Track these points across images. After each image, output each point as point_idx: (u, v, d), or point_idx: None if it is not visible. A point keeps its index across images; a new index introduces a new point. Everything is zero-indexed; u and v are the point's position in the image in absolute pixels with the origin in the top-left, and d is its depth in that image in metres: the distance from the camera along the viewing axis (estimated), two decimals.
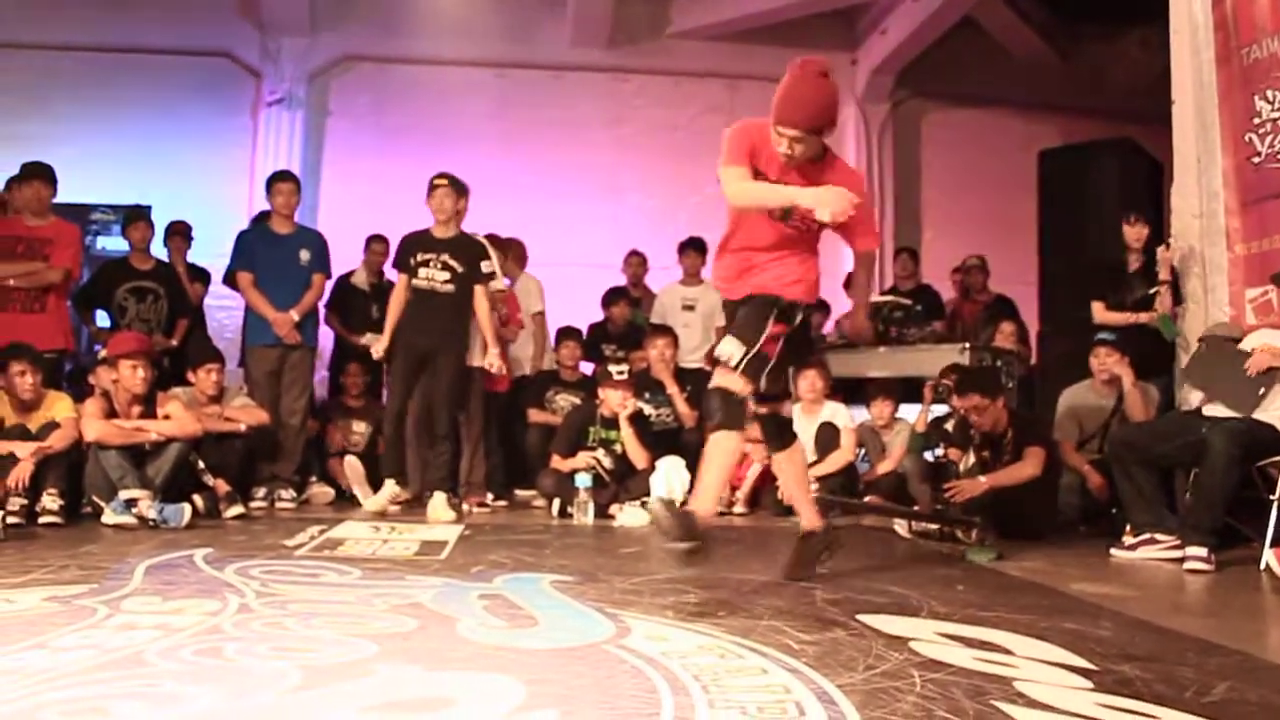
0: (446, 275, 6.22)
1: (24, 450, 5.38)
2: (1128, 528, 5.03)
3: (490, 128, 9.96)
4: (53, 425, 5.59)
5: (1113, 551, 4.98)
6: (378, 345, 6.26)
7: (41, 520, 5.21)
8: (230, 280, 6.91)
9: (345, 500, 6.76)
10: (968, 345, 7.11)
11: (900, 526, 5.70)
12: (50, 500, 5.27)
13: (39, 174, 6.50)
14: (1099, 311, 6.36)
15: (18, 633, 2.75)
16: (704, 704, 2.29)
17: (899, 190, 10.74)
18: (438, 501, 6.01)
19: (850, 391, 7.21)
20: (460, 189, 6.32)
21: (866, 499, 6.33)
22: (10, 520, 4.95)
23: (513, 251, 7.54)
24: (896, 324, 7.58)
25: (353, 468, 6.78)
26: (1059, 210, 8.13)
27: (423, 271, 6.23)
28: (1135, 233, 6.35)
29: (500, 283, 6.72)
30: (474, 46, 10.06)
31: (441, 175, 6.29)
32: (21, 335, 5.95)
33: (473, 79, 10.18)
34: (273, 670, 2.44)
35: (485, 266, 6.30)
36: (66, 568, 3.90)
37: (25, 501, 5.24)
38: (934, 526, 5.47)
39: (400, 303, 6.27)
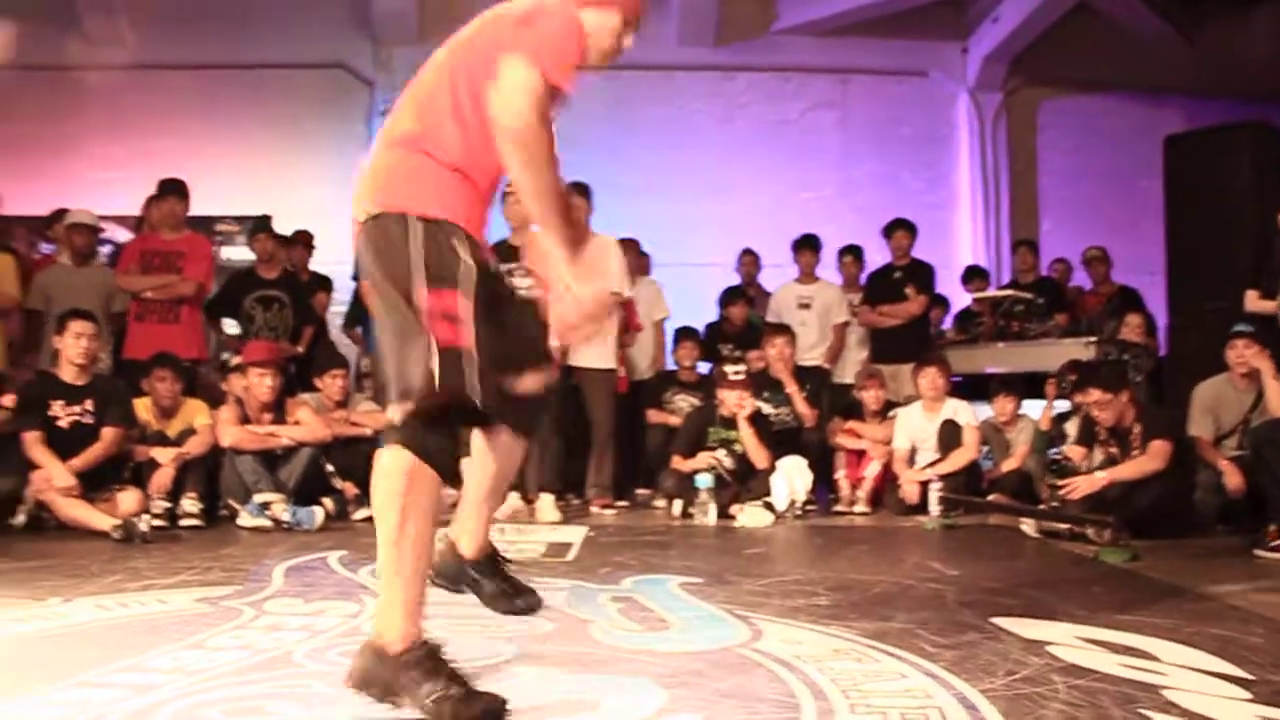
0: (530, 281, 6.24)
1: (165, 456, 5.61)
2: (1271, 528, 4.82)
3: (599, 130, 9.98)
4: (190, 432, 5.81)
5: (1256, 552, 4.78)
6: None
7: (182, 523, 5.46)
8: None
9: None
10: (1094, 339, 6.91)
11: (1028, 526, 5.57)
12: (190, 504, 5.51)
13: (173, 191, 6.77)
14: (1252, 300, 6.11)
15: (175, 632, 2.87)
16: (845, 709, 2.27)
17: (1014, 181, 10.47)
18: (545, 502, 6.08)
19: (973, 388, 7.07)
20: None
21: (990, 498, 6.20)
22: (155, 523, 5.17)
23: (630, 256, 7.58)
24: (1018, 318, 7.41)
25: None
26: (1188, 198, 7.84)
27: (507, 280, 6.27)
28: None
29: (622, 287, 6.75)
30: None
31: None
32: (158, 345, 6.22)
33: (580, 81, 10.22)
34: None
35: None
36: (210, 569, 4.04)
37: (168, 505, 5.48)
38: (1063, 526, 5.33)
39: None
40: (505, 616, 2.73)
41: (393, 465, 2.22)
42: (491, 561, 2.67)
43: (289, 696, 2.29)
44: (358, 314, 7.80)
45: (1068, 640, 2.92)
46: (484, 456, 2.57)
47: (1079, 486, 5.28)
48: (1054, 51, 9.98)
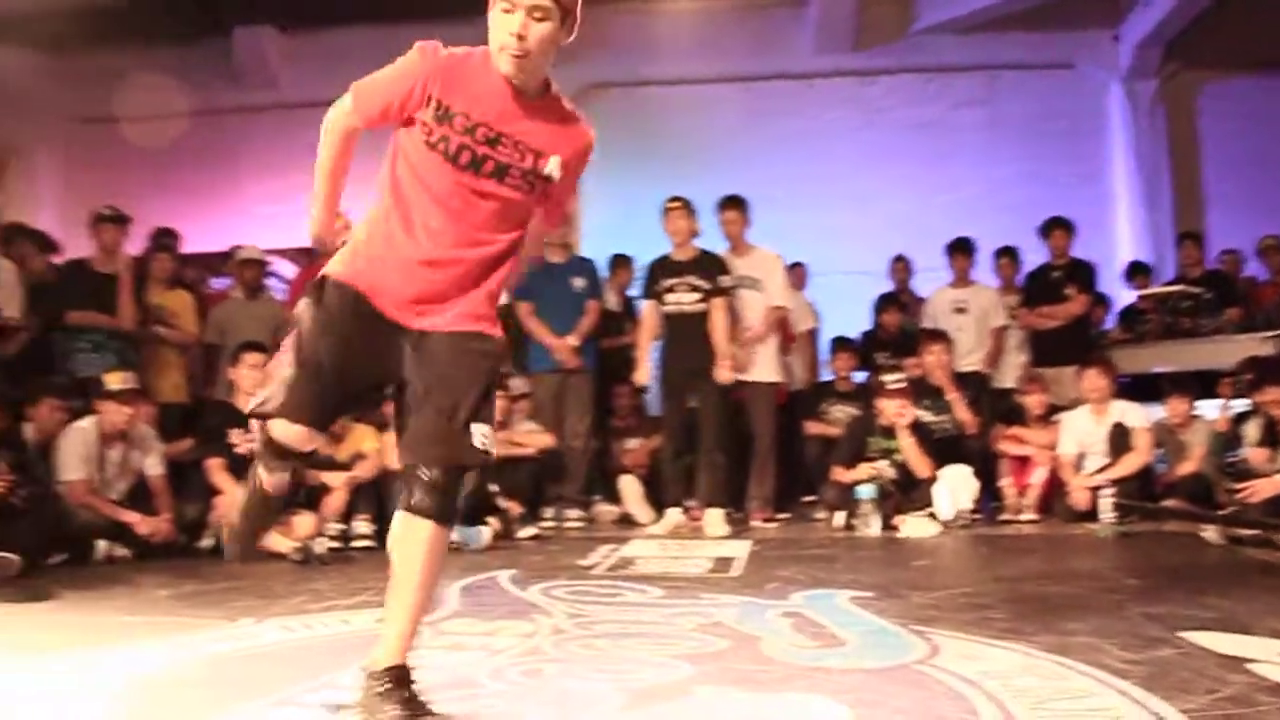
0: (695, 296, 6.29)
1: (336, 480, 5.80)
2: None
3: (739, 142, 9.99)
4: (359, 456, 6.00)
5: None
6: (639, 374, 6.44)
7: (355, 544, 5.63)
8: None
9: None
10: (1274, 333, 6.57)
11: (1209, 532, 5.33)
12: (363, 525, 5.69)
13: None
14: None
15: (358, 654, 2.94)
16: None
17: (1175, 171, 10.04)
18: (713, 517, 6.07)
19: (1140, 389, 6.81)
20: (695, 209, 6.40)
21: (1166, 503, 5.96)
22: (330, 544, 5.37)
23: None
24: (1187, 314, 7.11)
25: (629, 487, 6.92)
26: None
27: (670, 296, 6.33)
28: None
29: (785, 300, 6.75)
30: (718, 62, 10.13)
31: (674, 198, 6.39)
32: None
33: (719, 95, 10.26)
34: (596, 691, 2.52)
35: (724, 280, 6.33)
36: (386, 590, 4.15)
37: (341, 527, 5.67)
38: (1248, 532, 5.07)
39: (650, 329, 6.41)
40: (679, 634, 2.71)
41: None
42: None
43: (475, 716, 2.34)
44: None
45: (1269, 657, 2.76)
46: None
47: (1260, 489, 5.03)
48: (1214, 32, 9.51)
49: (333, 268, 2.45)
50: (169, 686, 2.67)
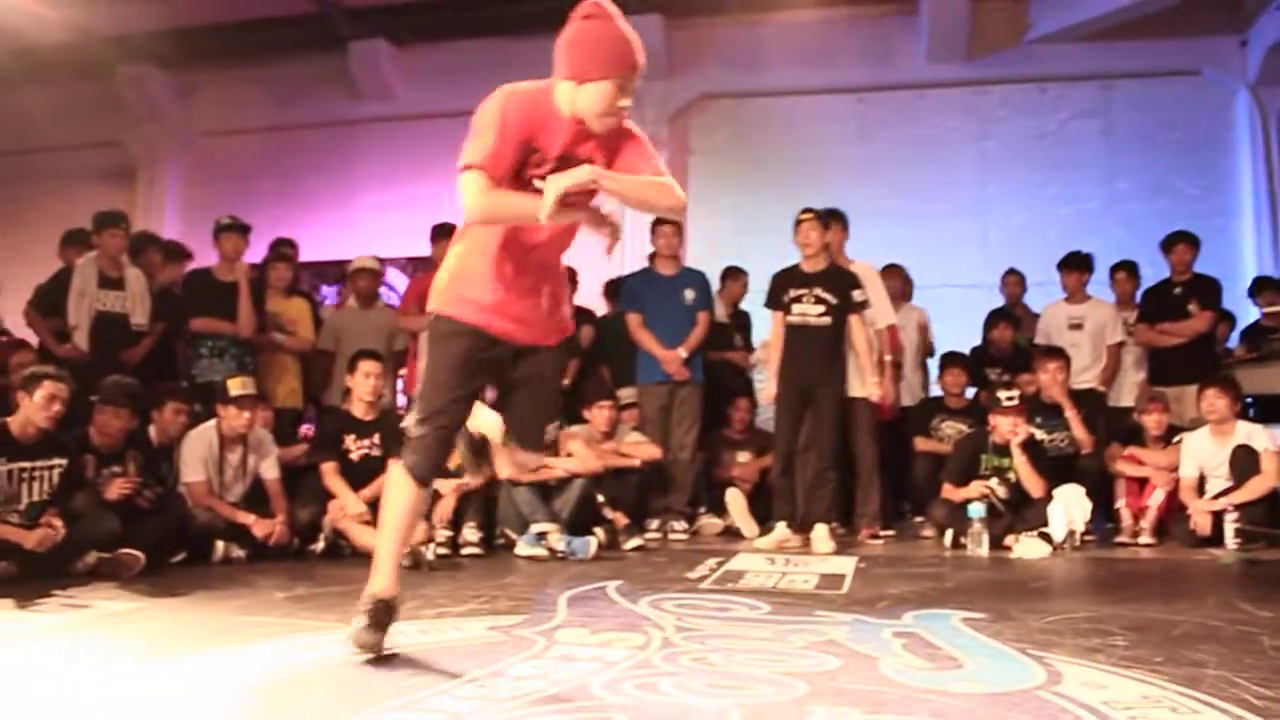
0: (821, 309, 6.24)
1: (445, 487, 5.90)
2: None
3: (851, 153, 9.90)
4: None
5: None
6: (767, 389, 6.39)
7: (464, 551, 5.71)
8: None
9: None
10: None
11: None
12: (470, 533, 5.79)
13: (446, 233, 7.15)
14: None
15: (473, 661, 3.00)
16: None
17: None
18: (820, 533, 6.01)
19: (1268, 409, 6.57)
20: (827, 221, 6.35)
21: None
22: (439, 551, 5.45)
23: (895, 281, 7.50)
24: None
25: (735, 500, 6.89)
26: None
27: (796, 307, 6.28)
28: None
29: (885, 316, 6.67)
30: (830, 73, 10.06)
31: (807, 209, 6.34)
32: None
33: (830, 106, 10.18)
34: (715, 709, 2.50)
35: (857, 295, 6.27)
36: (497, 598, 4.21)
37: (449, 534, 5.75)
38: None
39: (779, 340, 6.36)
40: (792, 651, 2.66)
41: None
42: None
43: None
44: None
45: None
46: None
47: None
48: None
49: None
50: (292, 689, 2.73)
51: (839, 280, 6.30)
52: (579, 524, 5.84)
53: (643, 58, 2.94)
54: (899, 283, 7.67)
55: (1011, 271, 8.28)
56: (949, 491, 6.20)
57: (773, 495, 6.38)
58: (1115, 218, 9.49)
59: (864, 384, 6.34)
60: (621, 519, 6.07)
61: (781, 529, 6.14)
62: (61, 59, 9.92)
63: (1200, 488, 6.18)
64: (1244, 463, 6.01)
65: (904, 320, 7.39)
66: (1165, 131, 9.74)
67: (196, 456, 5.69)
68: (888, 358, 6.68)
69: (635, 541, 5.95)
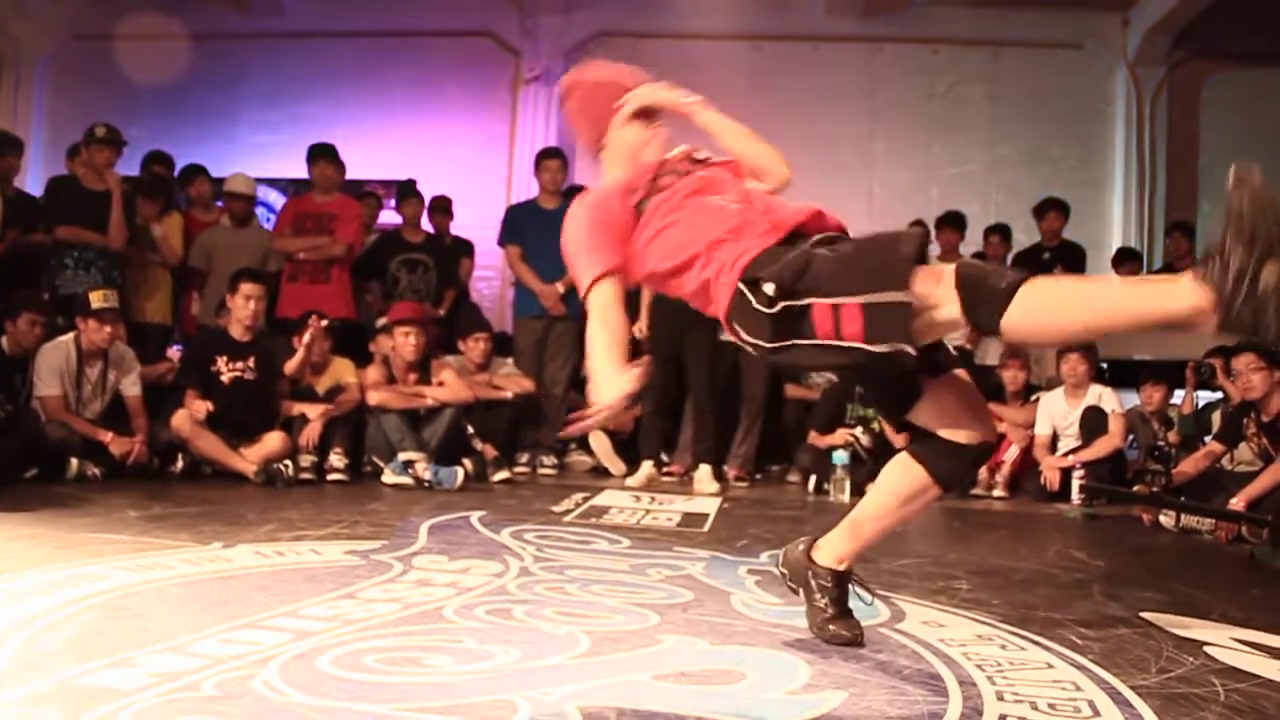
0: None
1: (313, 412, 5.80)
2: None
3: (744, 100, 9.86)
4: (338, 389, 5.99)
5: None
6: (637, 326, 6.40)
7: (329, 477, 5.63)
8: None
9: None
10: None
11: (1167, 519, 5.37)
12: (337, 459, 5.69)
13: (324, 154, 6.97)
14: None
15: (329, 582, 2.97)
16: (992, 696, 2.23)
17: (1172, 161, 10.01)
18: (703, 474, 6.09)
19: (1121, 374, 6.84)
20: None
21: (1135, 488, 6.00)
22: (303, 475, 5.37)
23: None
24: None
25: (598, 439, 6.88)
26: None
27: None
28: None
29: None
30: (729, 19, 10.00)
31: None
32: (309, 305, 6.40)
33: (728, 52, 10.13)
34: (564, 634, 2.53)
35: None
36: (358, 523, 4.17)
37: (315, 459, 5.66)
38: (1207, 523, 5.10)
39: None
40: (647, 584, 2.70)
41: None
42: (841, 580, 2.70)
43: (442, 650, 2.34)
44: None
45: (1225, 642, 2.79)
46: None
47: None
48: (1226, 22, 9.39)
49: None
50: (144, 605, 2.67)
51: None
52: (447, 454, 5.80)
53: (632, 79, 2.95)
54: None
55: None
56: (815, 438, 6.33)
57: (640, 434, 6.43)
58: (996, 181, 9.72)
59: None
60: (490, 451, 6.04)
61: (648, 467, 6.20)
62: None
63: (1053, 445, 6.43)
64: (1093, 423, 6.27)
65: None
66: (1047, 100, 9.97)
67: (52, 370, 5.46)
68: None
69: (503, 474, 5.93)
